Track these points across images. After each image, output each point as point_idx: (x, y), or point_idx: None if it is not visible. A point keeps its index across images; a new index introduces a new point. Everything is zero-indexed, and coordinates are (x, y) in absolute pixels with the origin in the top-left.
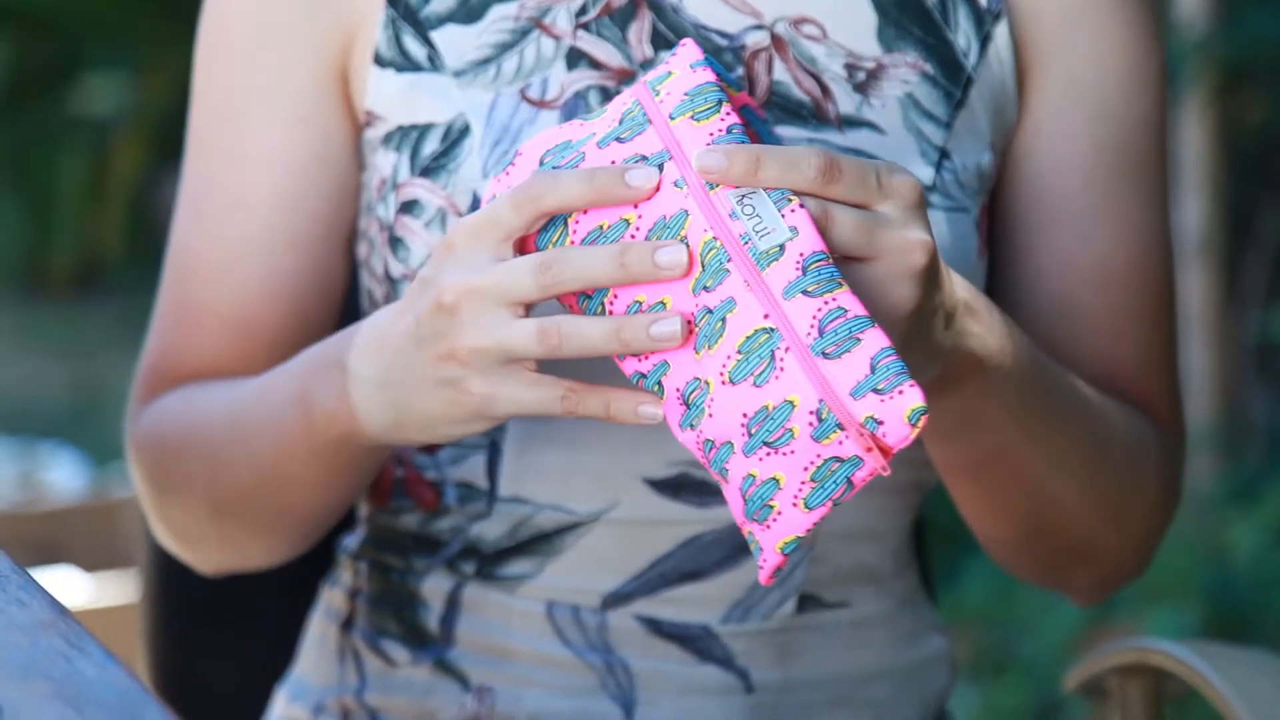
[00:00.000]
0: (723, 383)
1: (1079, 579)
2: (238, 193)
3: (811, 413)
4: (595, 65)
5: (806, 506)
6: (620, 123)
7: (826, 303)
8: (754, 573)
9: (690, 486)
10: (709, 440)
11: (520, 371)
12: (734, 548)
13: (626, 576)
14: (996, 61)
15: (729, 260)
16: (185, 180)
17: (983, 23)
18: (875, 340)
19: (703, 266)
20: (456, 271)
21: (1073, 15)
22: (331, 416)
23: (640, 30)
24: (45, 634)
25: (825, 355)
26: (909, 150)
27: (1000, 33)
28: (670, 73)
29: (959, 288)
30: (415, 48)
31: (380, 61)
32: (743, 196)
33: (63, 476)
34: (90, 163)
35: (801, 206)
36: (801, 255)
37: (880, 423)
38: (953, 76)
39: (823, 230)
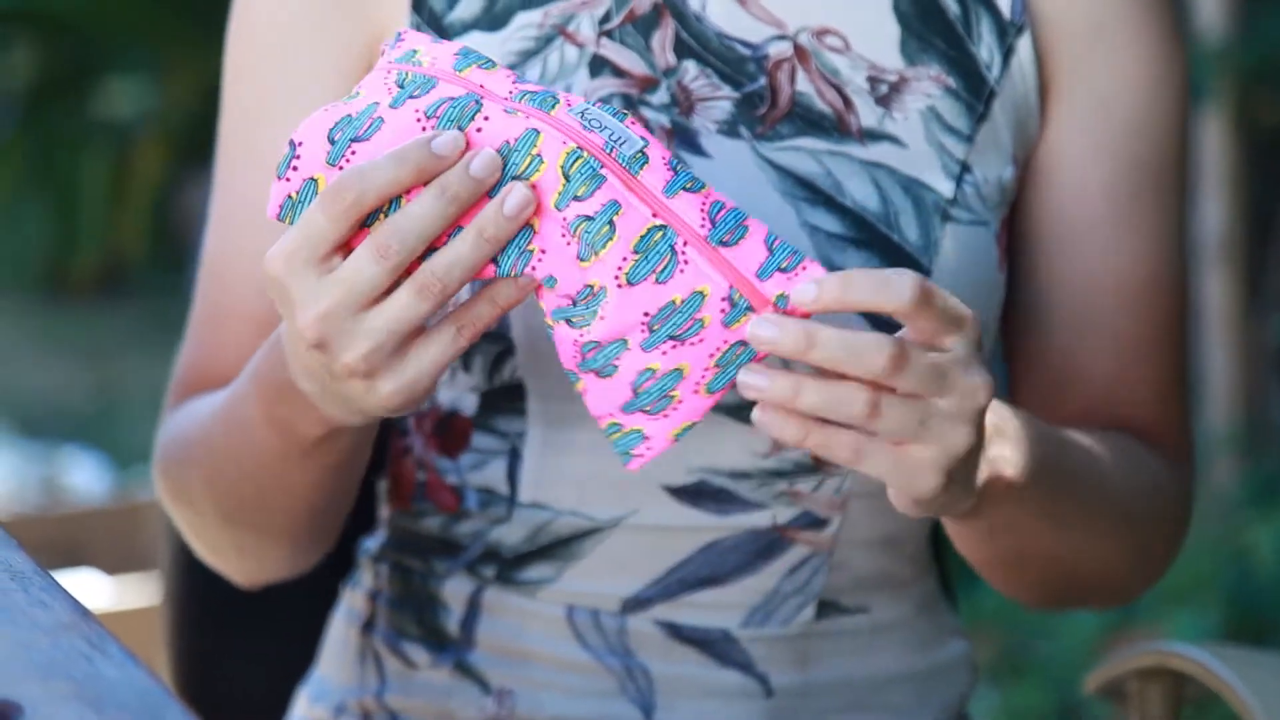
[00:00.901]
0: (619, 285)
1: (1099, 606)
2: (265, 202)
3: (724, 299)
4: (618, 73)
5: (708, 391)
6: (402, 87)
7: (706, 197)
8: (772, 578)
9: (709, 494)
10: (592, 342)
11: (416, 342)
12: (753, 553)
13: (646, 581)
14: (1019, 74)
15: (602, 167)
16: (216, 187)
17: (1006, 35)
18: (759, 227)
19: (567, 177)
20: (301, 310)
21: (1097, 28)
22: (312, 425)
23: (664, 38)
24: (67, 635)
25: (723, 244)
26: (930, 164)
27: (1023, 45)
28: (414, 50)
29: (990, 414)
30: None
31: None
32: (583, 111)
33: (84, 479)
34: (113, 166)
35: (635, 120)
36: (664, 158)
37: (789, 298)
38: (975, 90)
39: (898, 367)
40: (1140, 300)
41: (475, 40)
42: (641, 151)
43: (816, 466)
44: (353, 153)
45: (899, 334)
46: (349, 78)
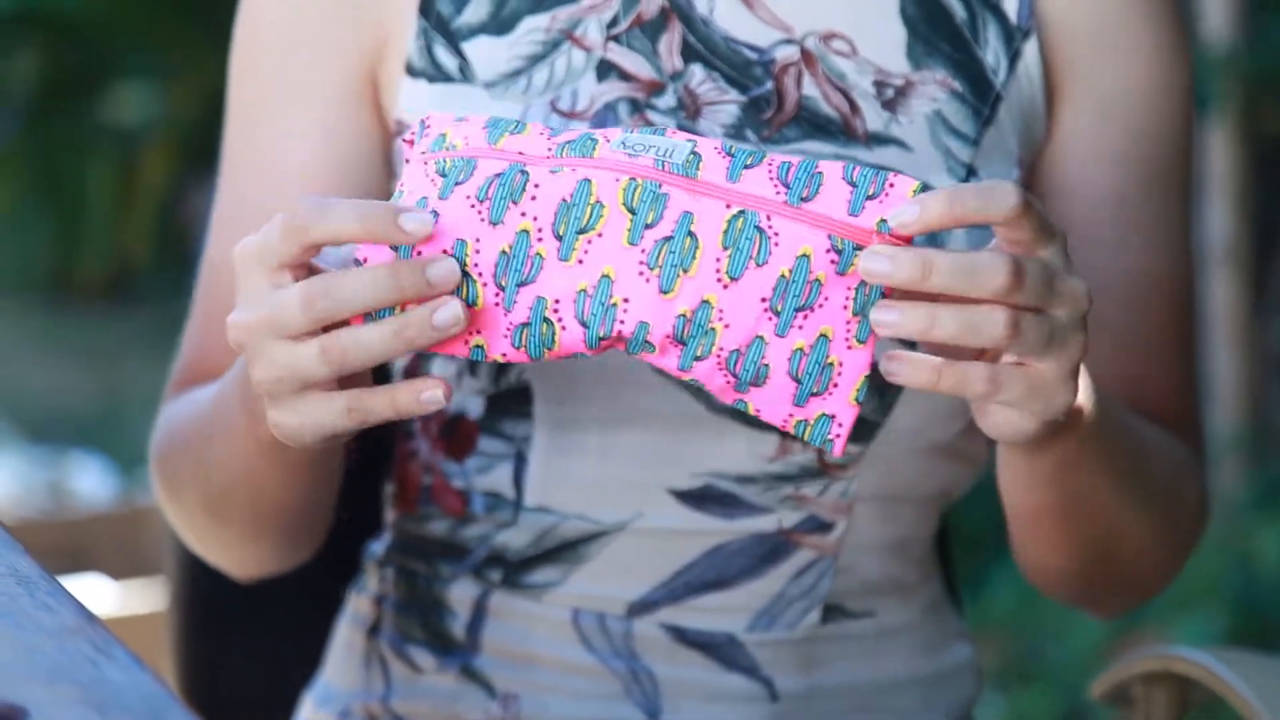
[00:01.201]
0: (725, 286)
1: (1115, 602)
2: (269, 201)
3: (828, 251)
4: (625, 77)
5: (860, 341)
6: (445, 175)
7: (769, 164)
8: (778, 581)
9: (715, 498)
10: (733, 353)
11: (315, 394)
12: (758, 557)
13: (652, 585)
14: (1025, 79)
15: (661, 186)
16: (219, 189)
17: (1012, 40)
18: (832, 167)
19: (632, 210)
20: (240, 308)
21: (1103, 33)
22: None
23: (670, 42)
24: (72, 639)
25: (805, 200)
26: (936, 167)
27: (1030, 50)
28: (443, 134)
29: None
30: (447, 59)
31: (412, 72)
32: (623, 141)
33: (90, 484)
34: (119, 171)
35: (673, 130)
36: (716, 148)
37: (889, 221)
38: (981, 94)
39: (1018, 281)
40: (1149, 300)
41: (484, 44)
42: (692, 152)
43: (823, 470)
44: (418, 253)
45: (992, 244)
46: (353, 83)
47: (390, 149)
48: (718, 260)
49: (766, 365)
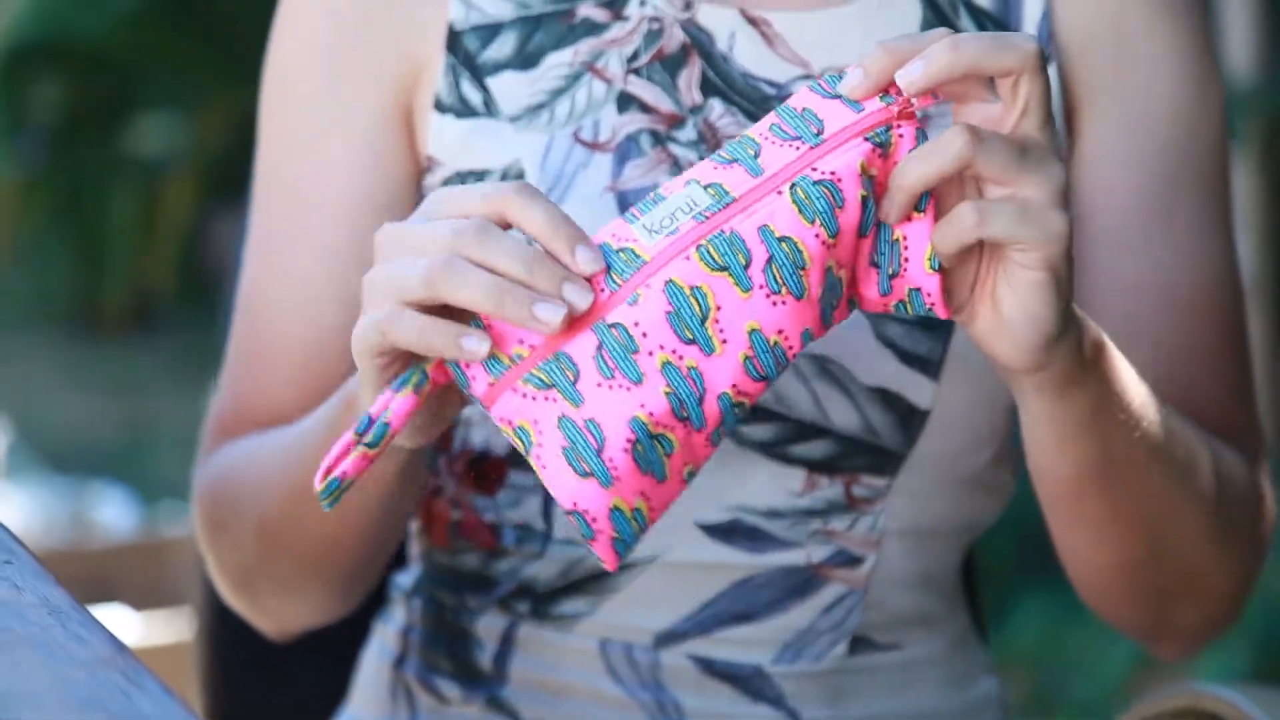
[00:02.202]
0: (833, 247)
1: (1182, 617)
2: (305, 235)
3: (874, 150)
4: (645, 109)
5: (918, 211)
6: (554, 384)
7: (766, 140)
8: (806, 615)
9: (742, 532)
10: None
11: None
12: (787, 591)
13: (679, 616)
14: None
15: (725, 230)
16: (253, 225)
17: None
18: (804, 94)
19: (724, 268)
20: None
21: (1124, 49)
22: (351, 411)
23: (690, 77)
24: (104, 670)
25: (819, 134)
26: None
27: (1049, 75)
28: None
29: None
30: (472, 93)
31: (440, 107)
32: (648, 229)
33: (113, 515)
34: (142, 201)
35: (661, 185)
36: (716, 167)
37: (888, 90)
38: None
39: (977, 145)
40: (1192, 307)
41: (508, 79)
42: (704, 186)
43: (850, 505)
44: (610, 460)
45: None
46: (388, 110)
47: (420, 182)
48: (817, 235)
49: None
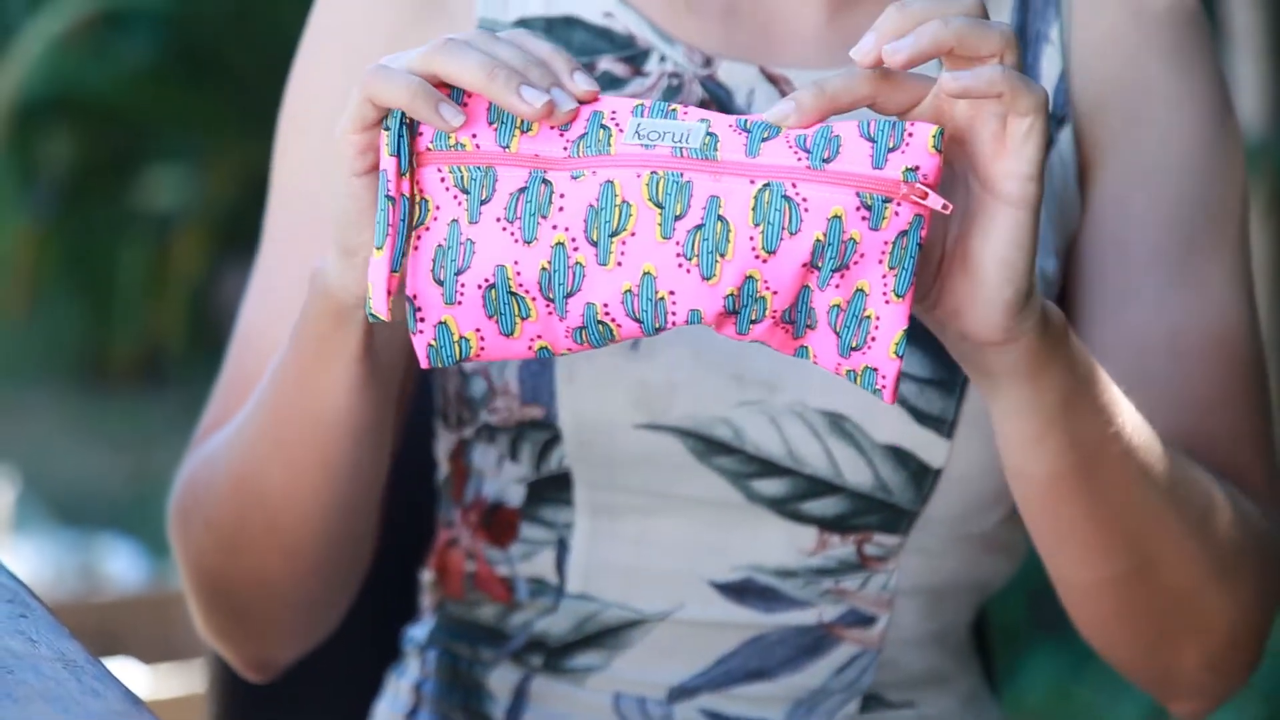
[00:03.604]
0: (764, 261)
1: (1187, 660)
2: (300, 272)
3: (858, 209)
4: None
5: (898, 295)
6: (467, 191)
7: (787, 137)
8: (820, 675)
9: (755, 591)
10: (784, 311)
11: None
12: (799, 648)
13: (693, 671)
14: (1059, 166)
15: (683, 175)
16: (259, 260)
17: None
18: (848, 126)
19: (659, 205)
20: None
21: (1139, 104)
22: (311, 286)
23: None
24: None
25: (826, 161)
26: None
27: (1063, 137)
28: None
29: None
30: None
31: None
32: (637, 129)
33: (122, 568)
34: (152, 255)
35: (684, 108)
36: (731, 125)
37: (915, 168)
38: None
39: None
40: (1199, 356)
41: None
42: (708, 133)
43: (862, 564)
44: (461, 285)
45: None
46: None
47: None
48: (751, 238)
49: (814, 309)
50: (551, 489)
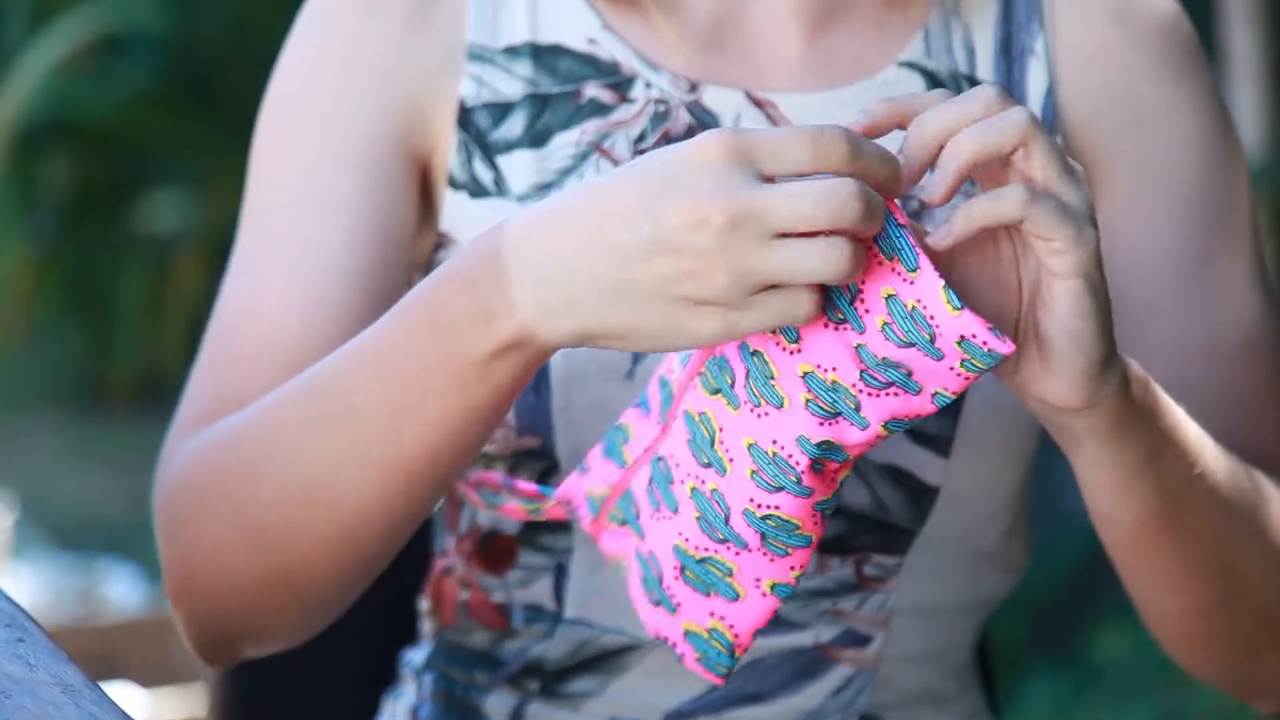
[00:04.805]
0: (826, 372)
1: (1270, 668)
2: (298, 261)
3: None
4: None
5: (910, 271)
6: (627, 522)
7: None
8: (816, 697)
9: None
10: (864, 447)
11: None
12: (796, 671)
13: (689, 696)
14: None
15: (718, 352)
16: (240, 241)
17: None
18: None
19: (717, 390)
20: (724, 192)
21: (1136, 116)
22: (488, 325)
23: None
24: None
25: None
26: None
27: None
28: (588, 495)
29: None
30: (484, 171)
31: (454, 184)
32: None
33: (121, 592)
34: (152, 278)
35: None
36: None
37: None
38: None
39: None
40: (1233, 357)
41: (519, 158)
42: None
43: (860, 585)
44: (668, 588)
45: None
46: (395, 164)
47: (434, 258)
48: (779, 345)
49: (887, 358)
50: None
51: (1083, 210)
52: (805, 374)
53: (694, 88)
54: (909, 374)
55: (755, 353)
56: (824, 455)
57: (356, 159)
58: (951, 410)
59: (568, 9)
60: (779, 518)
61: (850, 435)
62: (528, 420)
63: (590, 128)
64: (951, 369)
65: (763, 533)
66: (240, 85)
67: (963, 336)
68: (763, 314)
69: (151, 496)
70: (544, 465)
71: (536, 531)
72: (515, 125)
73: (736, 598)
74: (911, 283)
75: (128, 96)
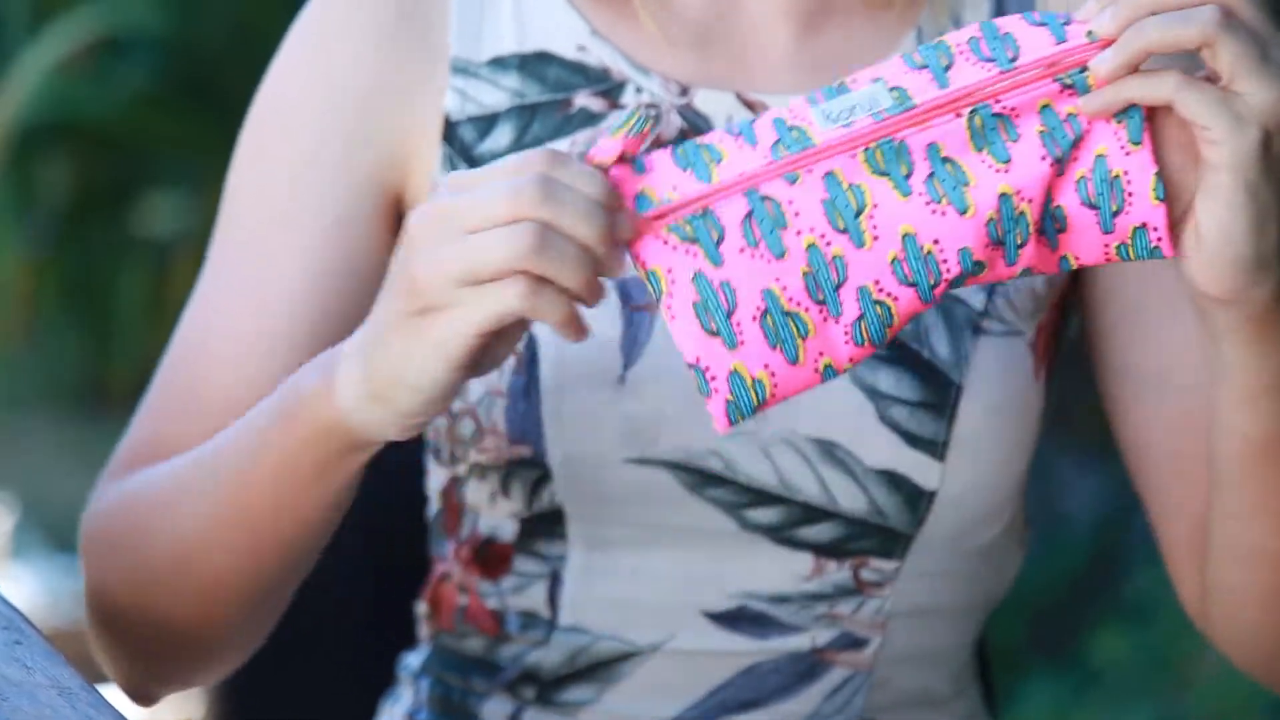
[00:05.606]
0: (1006, 173)
1: None
2: (259, 289)
3: (1061, 91)
4: None
5: (1134, 144)
6: (696, 240)
7: (965, 54)
8: (812, 701)
9: (748, 618)
10: (1040, 222)
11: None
12: (793, 676)
13: (686, 704)
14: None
15: (894, 138)
16: (207, 265)
17: None
18: (1013, 21)
19: (886, 174)
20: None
21: None
22: (313, 403)
23: None
24: None
25: (1013, 60)
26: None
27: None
28: (643, 193)
29: None
30: None
31: None
32: (825, 114)
33: None
34: (151, 280)
35: (852, 76)
36: (905, 70)
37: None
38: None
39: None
40: None
41: None
42: (890, 88)
43: (858, 588)
44: (738, 324)
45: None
46: (362, 186)
47: None
48: (984, 161)
49: (1060, 207)
50: (544, 524)
51: (1257, 109)
52: (1002, 194)
53: (685, 91)
54: (1062, 229)
55: (950, 160)
56: (971, 274)
57: (322, 208)
58: (946, 414)
59: (555, 16)
60: (888, 308)
61: (1000, 268)
62: (519, 430)
63: (581, 138)
64: (1106, 246)
65: (863, 313)
66: (240, 85)
67: (1144, 224)
68: (478, 307)
69: None
70: (537, 474)
71: (531, 539)
72: (501, 137)
73: (795, 361)
74: (1128, 154)
75: (127, 97)
